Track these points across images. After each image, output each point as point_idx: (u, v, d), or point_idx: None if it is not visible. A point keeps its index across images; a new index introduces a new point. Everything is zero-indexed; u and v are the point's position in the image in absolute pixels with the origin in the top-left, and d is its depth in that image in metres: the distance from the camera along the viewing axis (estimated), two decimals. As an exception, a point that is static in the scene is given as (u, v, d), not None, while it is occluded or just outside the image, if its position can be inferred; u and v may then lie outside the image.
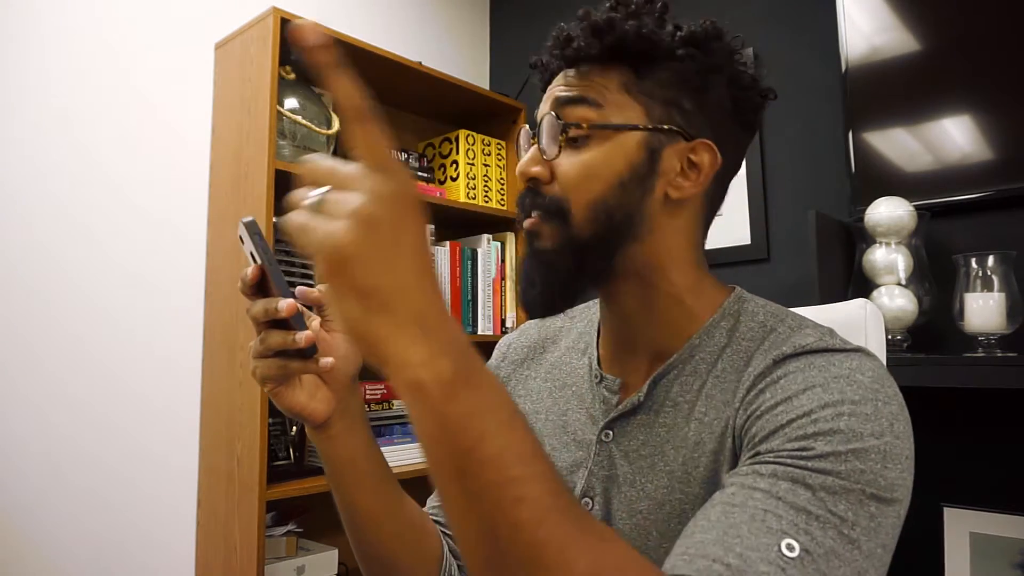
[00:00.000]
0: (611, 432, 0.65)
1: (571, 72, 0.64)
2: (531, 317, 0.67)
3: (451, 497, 0.40)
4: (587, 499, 0.64)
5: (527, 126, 0.68)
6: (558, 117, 0.62)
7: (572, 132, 0.62)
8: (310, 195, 0.39)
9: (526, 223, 0.64)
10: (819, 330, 0.60)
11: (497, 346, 0.85)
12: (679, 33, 0.62)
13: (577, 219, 0.61)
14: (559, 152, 0.62)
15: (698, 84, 0.62)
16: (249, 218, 0.56)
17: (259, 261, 0.54)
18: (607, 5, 0.63)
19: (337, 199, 0.38)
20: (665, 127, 0.62)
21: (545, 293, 0.63)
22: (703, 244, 0.68)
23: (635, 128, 0.61)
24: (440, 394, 0.38)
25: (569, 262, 0.62)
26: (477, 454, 0.38)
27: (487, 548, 0.39)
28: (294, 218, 0.39)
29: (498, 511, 0.38)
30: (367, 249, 0.36)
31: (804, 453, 0.49)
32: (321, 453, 0.65)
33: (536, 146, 0.64)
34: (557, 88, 0.64)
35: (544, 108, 0.65)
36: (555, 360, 0.77)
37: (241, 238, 0.55)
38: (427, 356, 0.38)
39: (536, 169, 0.63)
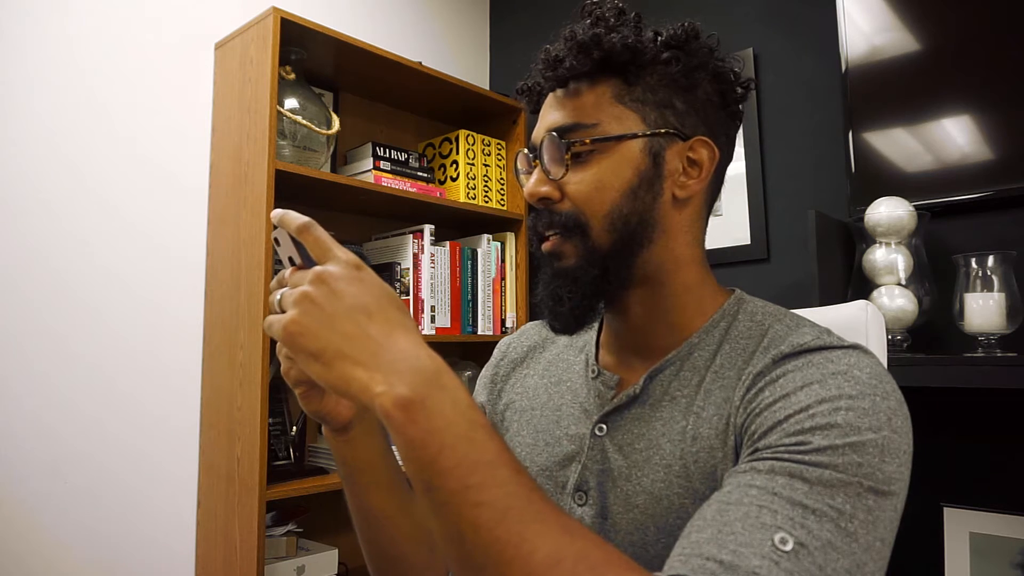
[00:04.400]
0: (605, 426, 0.65)
1: (562, 93, 0.65)
2: (561, 333, 0.68)
3: (426, 506, 0.45)
4: (581, 493, 0.64)
5: (525, 150, 0.70)
6: (561, 137, 0.63)
7: (576, 148, 0.63)
8: (274, 296, 0.52)
9: (545, 246, 0.66)
10: (816, 329, 0.61)
11: (497, 346, 0.86)
12: (659, 38, 0.64)
13: (596, 231, 0.63)
14: (566, 171, 0.64)
15: (685, 83, 0.64)
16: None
17: (297, 264, 0.54)
18: (587, 23, 0.65)
19: (285, 296, 0.50)
20: (662, 130, 0.63)
21: (575, 308, 0.64)
22: (704, 242, 0.70)
23: (635, 136, 0.63)
24: (401, 416, 0.44)
25: (594, 274, 0.63)
26: (438, 466, 0.43)
27: (457, 549, 0.44)
28: (266, 321, 0.51)
29: (460, 515, 0.43)
30: (306, 322, 0.47)
31: (801, 447, 0.49)
32: (338, 456, 0.66)
33: (539, 168, 0.65)
34: (552, 114, 0.66)
35: (540, 132, 0.66)
36: (552, 357, 0.78)
37: (277, 240, 0.55)
38: (385, 386, 0.44)
39: (545, 189, 0.64)
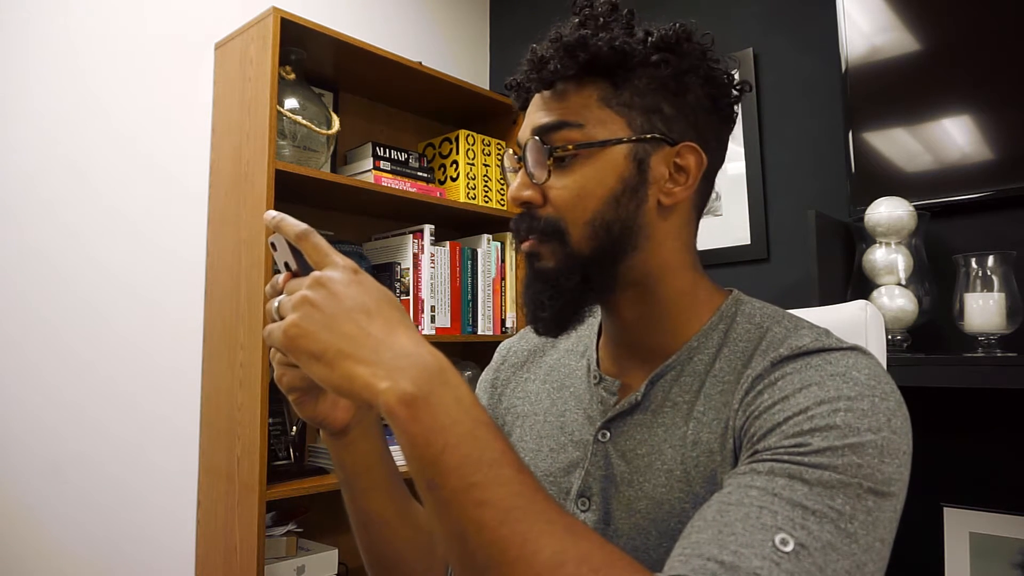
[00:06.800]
0: (608, 432, 0.65)
1: (548, 94, 0.64)
2: (544, 336, 0.67)
3: (428, 505, 0.45)
4: (584, 499, 0.64)
5: (511, 150, 0.69)
6: (543, 142, 0.62)
7: (559, 153, 0.62)
8: (272, 304, 0.52)
9: (524, 246, 0.65)
10: (815, 331, 0.60)
11: (497, 350, 0.85)
12: (650, 39, 0.62)
13: (575, 237, 0.62)
14: (548, 176, 0.63)
15: (675, 87, 0.63)
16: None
17: (293, 269, 0.54)
18: (576, 21, 0.63)
19: (283, 302, 0.50)
20: (648, 136, 0.62)
21: (557, 314, 0.64)
22: (696, 246, 0.69)
23: (620, 141, 0.62)
24: (405, 413, 0.43)
25: (575, 279, 0.62)
26: (441, 465, 0.43)
27: (459, 548, 0.43)
28: (265, 330, 0.51)
29: (464, 514, 0.42)
30: (306, 324, 0.47)
31: (801, 449, 0.49)
32: (336, 459, 0.65)
33: (523, 170, 0.64)
34: (537, 114, 0.64)
35: (525, 133, 0.65)
36: (553, 362, 0.77)
37: (273, 245, 0.54)
38: (389, 382, 0.44)
39: (528, 194, 0.63)
